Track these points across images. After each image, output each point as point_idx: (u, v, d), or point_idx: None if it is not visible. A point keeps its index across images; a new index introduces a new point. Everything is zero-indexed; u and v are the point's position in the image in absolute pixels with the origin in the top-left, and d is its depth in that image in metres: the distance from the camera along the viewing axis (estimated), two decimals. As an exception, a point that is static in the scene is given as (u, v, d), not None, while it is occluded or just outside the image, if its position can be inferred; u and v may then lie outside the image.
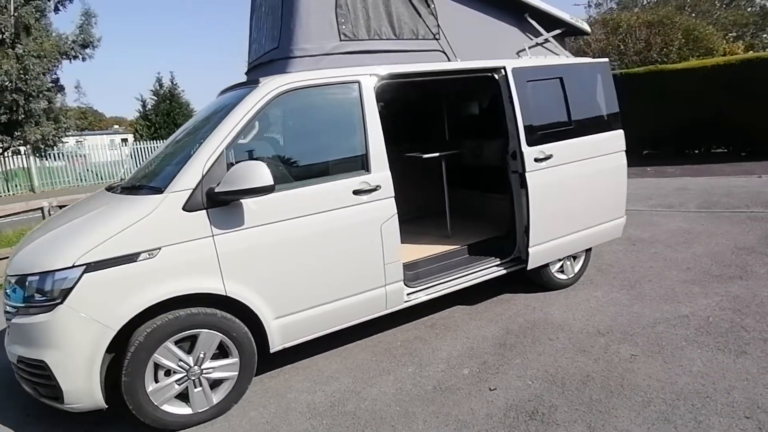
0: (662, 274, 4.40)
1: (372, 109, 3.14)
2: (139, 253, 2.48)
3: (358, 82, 3.12)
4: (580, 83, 4.00)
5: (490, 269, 3.81)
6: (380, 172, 3.13)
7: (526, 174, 3.64)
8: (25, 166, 18.69)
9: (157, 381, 2.62)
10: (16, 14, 15.44)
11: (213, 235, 2.64)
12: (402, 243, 4.25)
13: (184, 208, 2.58)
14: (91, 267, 2.39)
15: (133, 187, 2.94)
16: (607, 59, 4.26)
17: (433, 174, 4.64)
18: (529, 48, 4.02)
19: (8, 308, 2.52)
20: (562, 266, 4.22)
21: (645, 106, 11.18)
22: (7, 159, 18.24)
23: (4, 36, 15.28)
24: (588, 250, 4.37)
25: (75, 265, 2.37)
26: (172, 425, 2.68)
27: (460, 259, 3.85)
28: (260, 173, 2.55)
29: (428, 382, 2.99)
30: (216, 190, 2.58)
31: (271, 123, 3.08)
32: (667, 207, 6.88)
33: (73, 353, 2.39)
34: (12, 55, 15.42)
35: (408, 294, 3.43)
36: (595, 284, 4.31)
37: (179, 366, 2.65)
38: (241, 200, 2.69)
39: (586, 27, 4.30)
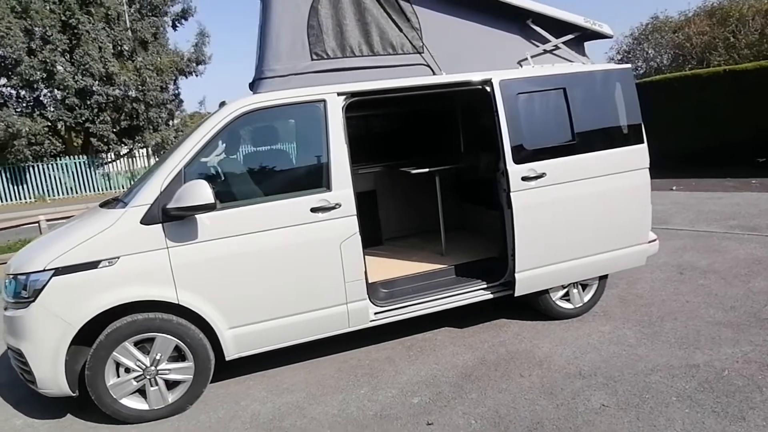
0: (696, 312, 3.79)
1: (337, 127, 3.15)
2: (99, 261, 2.77)
3: (324, 101, 3.15)
4: (590, 93, 3.61)
5: (475, 293, 3.60)
6: (341, 190, 3.13)
7: (511, 194, 3.38)
8: (147, 165, 21.46)
9: (119, 377, 2.91)
10: (132, 29, 17.77)
11: (168, 247, 2.86)
12: (390, 259, 4.23)
13: (141, 222, 2.82)
14: (59, 271, 2.73)
15: (115, 201, 3.27)
16: (629, 65, 3.78)
17: (441, 188, 4.50)
18: (533, 57, 3.72)
19: (4, 302, 2.96)
20: (567, 294, 3.85)
21: (756, 107, 9.64)
22: (133, 159, 21.14)
23: (123, 48, 17.69)
24: (602, 279, 3.92)
25: (45, 269, 2.72)
26: (129, 418, 2.94)
27: (443, 280, 3.69)
28: (201, 192, 2.71)
29: (372, 407, 2.92)
30: (167, 206, 2.79)
31: (233, 142, 3.23)
32: (748, 230, 5.87)
33: (42, 345, 2.75)
34: (131, 67, 17.81)
35: (375, 313, 3.38)
36: (608, 316, 3.85)
37: (137, 365, 2.91)
38: (196, 215, 2.87)
39: (606, 30, 3.84)
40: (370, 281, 3.58)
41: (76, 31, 16.99)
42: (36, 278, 2.73)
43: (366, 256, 4.41)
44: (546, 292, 3.73)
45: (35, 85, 17.16)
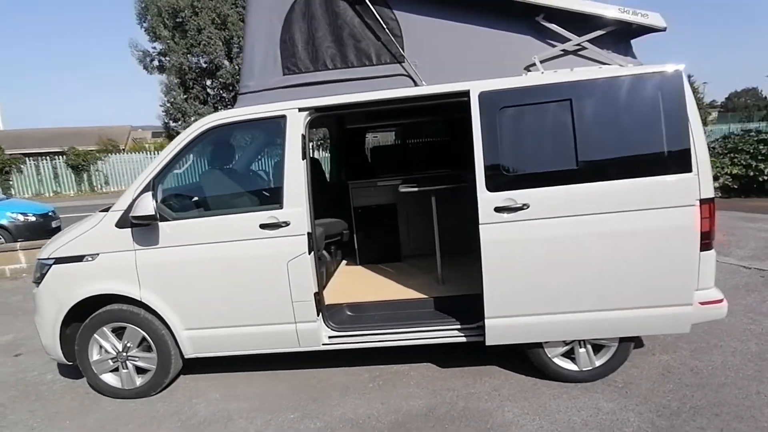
0: (756, 410, 2.71)
1: (294, 143, 3.08)
2: (84, 256, 3.24)
3: (284, 117, 3.11)
4: (610, 106, 2.82)
5: (446, 332, 3.17)
6: (293, 207, 3.06)
7: (480, 226, 2.87)
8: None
9: (100, 356, 3.38)
10: None
11: (135, 249, 3.19)
12: (385, 278, 3.99)
13: (116, 225, 3.20)
14: (58, 261, 3.28)
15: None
16: (680, 66, 2.81)
17: (438, 209, 4.04)
18: (545, 60, 3.06)
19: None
20: (572, 352, 3.12)
21: None
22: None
23: None
24: (624, 341, 3.06)
25: (49, 257, 3.30)
26: (106, 392, 3.40)
27: (416, 312, 3.34)
28: (146, 205, 2.95)
29: (286, 435, 2.83)
30: (129, 214, 3.11)
31: (197, 156, 3.39)
32: None
33: (45, 318, 3.34)
34: None
35: (330, 337, 3.24)
36: (624, 391, 3.00)
37: (112, 348, 3.34)
38: (158, 223, 3.14)
39: (654, 21, 2.91)
40: (339, 302, 3.48)
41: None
42: (45, 264, 3.33)
43: (374, 272, 4.27)
44: (539, 345, 3.09)
45: (230, 87, 20.55)
